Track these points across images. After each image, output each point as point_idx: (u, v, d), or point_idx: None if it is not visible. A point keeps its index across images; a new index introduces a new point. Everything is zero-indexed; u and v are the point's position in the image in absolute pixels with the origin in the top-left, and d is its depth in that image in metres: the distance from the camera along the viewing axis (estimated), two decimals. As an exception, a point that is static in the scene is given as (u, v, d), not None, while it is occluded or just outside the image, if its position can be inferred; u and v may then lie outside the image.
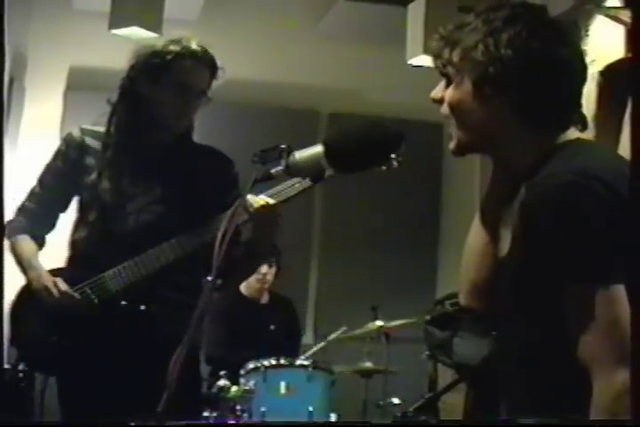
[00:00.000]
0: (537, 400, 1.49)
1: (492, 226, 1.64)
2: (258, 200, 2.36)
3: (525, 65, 1.49)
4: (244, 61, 5.69)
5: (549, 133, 1.54)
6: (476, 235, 1.69)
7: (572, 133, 1.56)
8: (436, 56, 1.59)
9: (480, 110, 1.54)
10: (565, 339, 1.41)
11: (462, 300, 1.72)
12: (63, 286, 2.59)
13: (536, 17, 1.54)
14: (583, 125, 1.59)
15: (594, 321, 1.37)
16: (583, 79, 1.56)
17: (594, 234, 1.39)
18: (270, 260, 4.76)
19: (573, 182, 1.40)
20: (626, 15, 3.63)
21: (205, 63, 2.62)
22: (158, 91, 2.61)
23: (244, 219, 2.41)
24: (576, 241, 1.39)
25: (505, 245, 1.57)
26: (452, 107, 1.57)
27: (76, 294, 2.58)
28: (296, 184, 2.36)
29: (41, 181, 2.76)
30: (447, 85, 1.59)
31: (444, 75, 1.59)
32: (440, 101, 1.60)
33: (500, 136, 1.55)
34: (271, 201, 2.36)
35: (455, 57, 1.55)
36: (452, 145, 1.61)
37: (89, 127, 2.73)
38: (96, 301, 2.58)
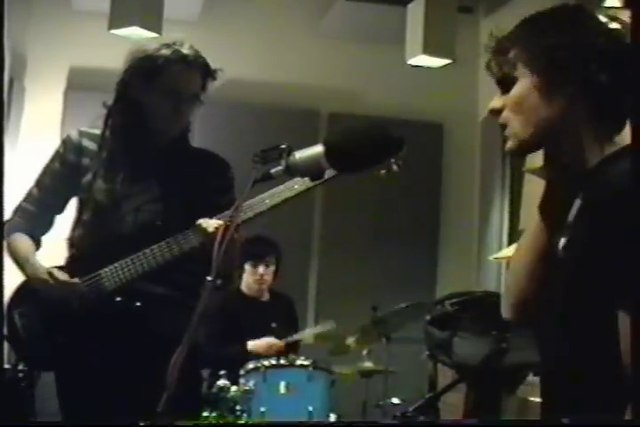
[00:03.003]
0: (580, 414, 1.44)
1: (544, 238, 1.57)
2: (210, 224, 2.42)
3: (593, 52, 1.47)
4: (244, 61, 5.70)
5: (616, 129, 1.50)
6: (525, 247, 1.61)
7: None
8: (492, 58, 1.56)
9: (547, 102, 1.50)
10: (614, 355, 1.34)
11: (505, 313, 1.65)
12: (61, 275, 2.59)
13: (591, 18, 1.54)
14: None
15: None
16: None
17: None
18: (266, 260, 4.76)
19: None
20: (626, 15, 3.63)
21: (197, 67, 2.62)
22: (150, 95, 2.62)
23: (195, 244, 2.47)
24: None
25: (563, 256, 1.50)
26: (518, 103, 1.52)
27: (74, 280, 2.58)
28: (295, 185, 2.37)
29: (38, 182, 2.77)
30: (507, 89, 1.55)
31: (501, 81, 1.56)
32: (497, 113, 1.56)
33: (565, 131, 1.50)
34: (219, 223, 2.40)
35: (513, 53, 1.52)
36: (510, 145, 1.55)
37: (87, 130, 2.74)
38: (92, 299, 2.59)
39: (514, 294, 1.63)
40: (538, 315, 1.57)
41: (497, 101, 1.57)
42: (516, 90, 1.53)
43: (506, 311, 1.65)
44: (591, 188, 1.43)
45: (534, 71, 1.51)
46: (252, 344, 4.49)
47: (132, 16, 4.80)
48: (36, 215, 2.75)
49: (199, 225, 2.46)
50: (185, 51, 2.60)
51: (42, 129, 5.30)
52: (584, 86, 1.48)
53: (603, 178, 1.42)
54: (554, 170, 1.57)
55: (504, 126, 1.56)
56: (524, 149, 1.56)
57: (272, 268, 4.80)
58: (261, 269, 4.74)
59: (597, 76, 1.47)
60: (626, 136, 1.51)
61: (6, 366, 3.71)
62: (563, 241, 1.50)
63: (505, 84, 1.56)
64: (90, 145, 2.71)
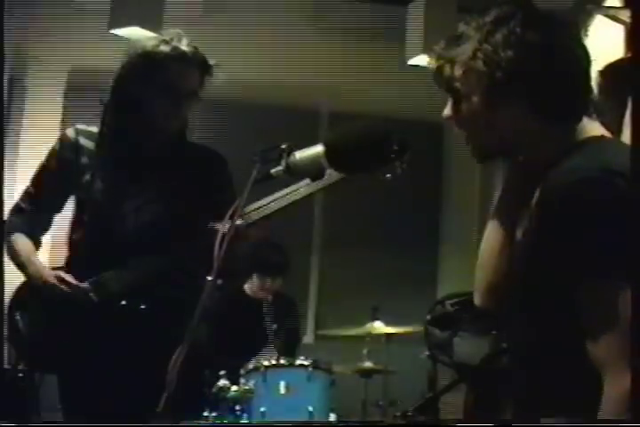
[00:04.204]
0: (548, 401, 1.48)
1: (508, 225, 1.62)
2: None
3: (528, 62, 1.48)
4: (244, 61, 5.70)
5: (567, 127, 1.53)
6: (491, 234, 1.66)
7: (596, 130, 1.54)
8: (438, 74, 1.57)
9: (494, 118, 1.52)
10: (576, 339, 1.40)
11: (477, 300, 1.69)
12: (67, 276, 2.58)
13: (525, 11, 1.52)
14: (597, 111, 1.57)
15: (610, 321, 1.36)
16: (588, 64, 1.54)
17: (617, 232, 1.36)
18: (276, 276, 4.75)
19: (597, 178, 1.39)
20: (626, 15, 3.63)
21: (195, 63, 2.62)
22: (148, 92, 2.61)
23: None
24: (598, 238, 1.37)
25: (521, 244, 1.56)
26: (466, 122, 1.56)
27: (82, 284, 2.57)
28: (300, 189, 2.37)
29: (35, 181, 2.76)
30: (454, 101, 1.57)
31: (450, 91, 1.57)
32: (452, 119, 1.58)
33: (519, 137, 1.53)
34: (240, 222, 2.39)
35: (457, 72, 1.53)
36: (472, 153, 1.59)
37: (83, 127, 2.73)
38: (96, 300, 2.58)
39: (482, 282, 1.69)
40: (504, 301, 1.62)
41: (448, 111, 1.59)
42: (463, 109, 1.55)
43: (477, 299, 1.70)
44: (546, 182, 1.47)
45: (478, 92, 1.51)
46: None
47: (131, 16, 4.79)
48: (34, 215, 2.74)
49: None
50: (184, 47, 2.60)
51: (42, 129, 5.29)
52: (529, 96, 1.50)
53: (555, 173, 1.46)
54: (512, 168, 1.62)
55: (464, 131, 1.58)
56: (484, 157, 1.60)
57: (279, 278, 4.80)
58: (268, 283, 4.74)
59: (539, 82, 1.49)
60: (593, 128, 1.55)
61: (6, 366, 3.71)
62: (521, 231, 1.55)
63: (453, 94, 1.57)
64: (86, 143, 2.69)
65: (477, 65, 1.49)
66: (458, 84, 1.54)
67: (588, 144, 1.50)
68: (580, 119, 1.53)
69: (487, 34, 1.50)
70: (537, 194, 1.49)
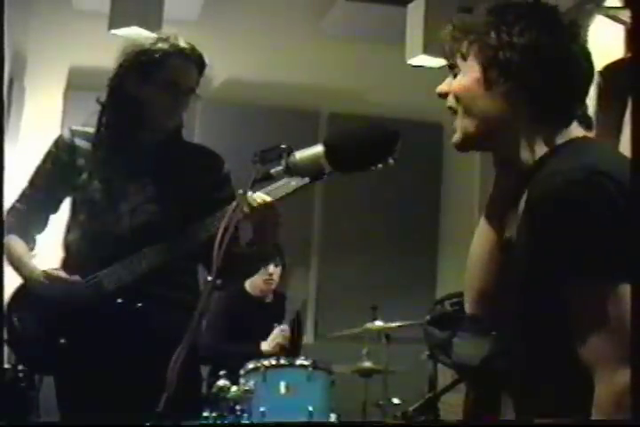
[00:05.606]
0: (545, 403, 1.48)
1: (497, 231, 1.63)
2: (255, 198, 2.34)
3: (535, 55, 1.50)
4: (244, 61, 5.71)
5: (553, 129, 1.54)
6: (480, 241, 1.67)
7: (578, 131, 1.56)
8: (446, 44, 1.59)
9: (486, 96, 1.53)
10: (569, 340, 1.40)
11: (469, 308, 1.68)
12: (58, 272, 2.58)
13: (547, 15, 1.55)
14: (587, 125, 1.58)
15: (599, 320, 1.36)
16: (589, 78, 1.56)
17: (604, 232, 1.37)
18: (276, 260, 4.77)
19: (583, 179, 1.39)
20: (626, 15, 3.63)
21: (193, 60, 2.62)
22: (147, 89, 2.60)
23: (239, 217, 2.40)
24: (585, 239, 1.38)
25: (511, 249, 1.56)
26: (459, 93, 1.57)
27: (74, 277, 2.56)
28: (292, 182, 2.36)
29: (31, 182, 2.76)
30: (453, 76, 1.59)
31: (452, 66, 1.59)
32: (445, 96, 1.60)
33: (505, 127, 1.54)
34: (268, 198, 2.35)
35: (465, 44, 1.55)
36: (455, 138, 1.59)
37: (79, 128, 2.73)
38: (93, 299, 2.58)
39: (472, 290, 1.67)
40: (494, 307, 1.62)
41: (444, 86, 1.61)
42: (460, 79, 1.57)
43: (467, 307, 1.68)
44: (532, 183, 1.47)
45: (479, 65, 1.54)
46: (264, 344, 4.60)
47: (131, 16, 4.80)
48: (30, 216, 2.73)
49: (245, 197, 2.35)
50: (182, 44, 2.60)
51: (42, 129, 5.29)
52: (525, 86, 1.51)
53: (541, 174, 1.47)
54: (500, 165, 1.61)
55: (453, 111, 1.59)
56: (468, 143, 1.59)
57: (280, 267, 4.82)
58: (271, 268, 4.75)
59: (539, 78, 1.51)
60: (576, 130, 1.56)
61: (6, 366, 3.71)
62: (512, 235, 1.56)
63: (454, 68, 1.59)
64: (82, 144, 2.69)
65: (487, 39, 1.52)
66: (461, 59, 1.56)
67: (572, 145, 1.52)
68: (569, 124, 1.55)
69: (506, 21, 1.52)
70: (524, 196, 1.50)
